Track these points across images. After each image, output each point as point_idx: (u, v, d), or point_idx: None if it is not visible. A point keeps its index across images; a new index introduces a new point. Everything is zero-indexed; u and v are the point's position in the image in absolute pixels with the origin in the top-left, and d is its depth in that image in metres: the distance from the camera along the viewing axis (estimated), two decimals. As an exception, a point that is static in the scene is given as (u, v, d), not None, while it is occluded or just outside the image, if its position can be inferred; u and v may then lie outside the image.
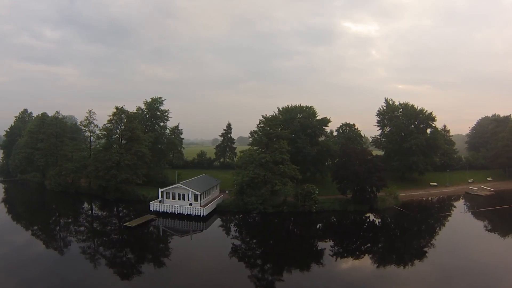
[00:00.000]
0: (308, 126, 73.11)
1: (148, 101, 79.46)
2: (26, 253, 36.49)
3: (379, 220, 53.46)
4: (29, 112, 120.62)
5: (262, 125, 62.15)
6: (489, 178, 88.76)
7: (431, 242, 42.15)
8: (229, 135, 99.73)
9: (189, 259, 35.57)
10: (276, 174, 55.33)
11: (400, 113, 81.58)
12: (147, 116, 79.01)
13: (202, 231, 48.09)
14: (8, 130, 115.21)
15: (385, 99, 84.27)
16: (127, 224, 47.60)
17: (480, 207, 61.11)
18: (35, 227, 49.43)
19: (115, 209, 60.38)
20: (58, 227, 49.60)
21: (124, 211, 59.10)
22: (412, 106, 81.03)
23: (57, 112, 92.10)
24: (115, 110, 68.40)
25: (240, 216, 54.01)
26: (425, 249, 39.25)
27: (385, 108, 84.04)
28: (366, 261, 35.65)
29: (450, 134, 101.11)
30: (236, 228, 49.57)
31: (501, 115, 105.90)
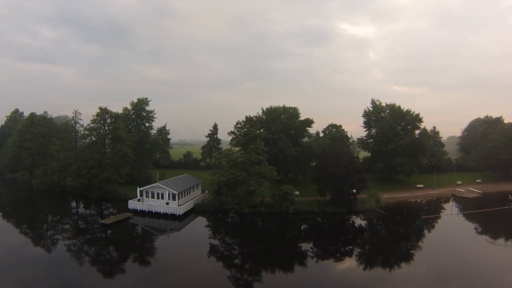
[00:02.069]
0: (290, 127, 75.13)
1: (134, 101, 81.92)
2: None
3: (356, 222, 55.17)
4: (20, 111, 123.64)
5: (239, 125, 64.46)
6: (478, 180, 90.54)
7: (405, 245, 44.09)
8: (215, 136, 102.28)
9: (161, 257, 37.94)
10: (252, 175, 57.56)
11: (386, 114, 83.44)
12: (133, 116, 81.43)
13: (179, 230, 50.70)
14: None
15: (371, 100, 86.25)
16: (103, 221, 50.40)
17: (464, 210, 62.84)
18: (17, 224, 52.63)
19: (96, 207, 62.93)
20: (38, 224, 52.71)
21: (105, 209, 61.68)
22: (399, 107, 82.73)
23: (45, 112, 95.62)
24: (98, 110, 71.07)
25: (218, 216, 56.27)
26: (398, 252, 41.30)
27: (371, 109, 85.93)
28: (338, 262, 37.79)
29: (440, 136, 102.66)
30: (211, 227, 51.79)
31: (494, 117, 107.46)
